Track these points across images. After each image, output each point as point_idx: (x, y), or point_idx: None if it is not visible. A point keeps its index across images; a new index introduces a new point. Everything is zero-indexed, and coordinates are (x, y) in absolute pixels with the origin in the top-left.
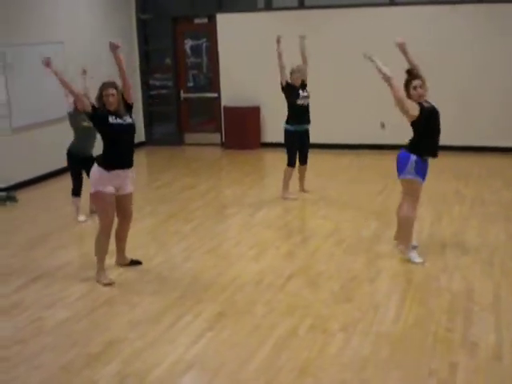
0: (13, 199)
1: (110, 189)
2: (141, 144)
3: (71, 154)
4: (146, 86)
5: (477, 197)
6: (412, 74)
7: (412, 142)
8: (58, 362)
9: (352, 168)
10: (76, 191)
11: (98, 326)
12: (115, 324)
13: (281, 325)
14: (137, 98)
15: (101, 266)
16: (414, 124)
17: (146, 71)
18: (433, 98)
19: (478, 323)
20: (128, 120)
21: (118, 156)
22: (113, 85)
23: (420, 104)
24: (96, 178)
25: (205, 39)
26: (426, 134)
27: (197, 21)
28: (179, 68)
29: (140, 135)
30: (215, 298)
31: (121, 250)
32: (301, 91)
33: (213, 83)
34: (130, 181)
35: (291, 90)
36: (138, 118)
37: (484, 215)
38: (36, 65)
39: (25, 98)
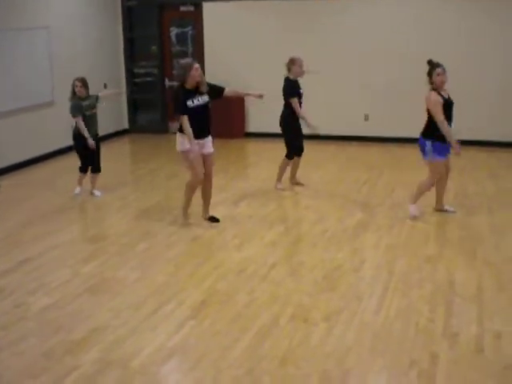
0: None
1: (195, 147)
2: (124, 131)
3: (77, 137)
4: (130, 74)
5: (461, 189)
6: (433, 63)
7: (428, 128)
8: (40, 348)
9: (337, 159)
10: (83, 168)
11: (81, 312)
12: (98, 311)
13: (263, 314)
14: (121, 85)
15: (184, 213)
16: (428, 111)
17: (130, 58)
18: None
19: (460, 314)
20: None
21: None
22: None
23: (441, 95)
24: (182, 140)
25: (190, 27)
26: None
27: (183, 8)
28: (164, 56)
29: (124, 123)
30: (198, 287)
31: (205, 206)
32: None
33: None
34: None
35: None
36: (122, 105)
37: (468, 207)
38: (20, 50)
39: (7, 82)
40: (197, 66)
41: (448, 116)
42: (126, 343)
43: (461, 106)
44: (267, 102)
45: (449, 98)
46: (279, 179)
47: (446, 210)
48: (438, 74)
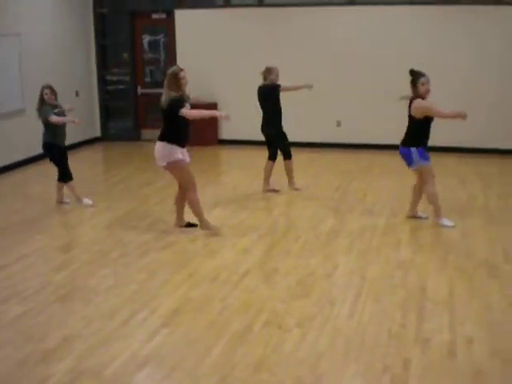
0: None
1: (186, 156)
2: (97, 139)
3: (50, 146)
4: (102, 81)
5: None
6: (416, 73)
7: (408, 137)
8: (13, 357)
9: (309, 166)
10: (68, 177)
11: (53, 321)
12: (70, 320)
13: (236, 321)
14: (93, 92)
15: (205, 223)
16: (413, 119)
17: (102, 66)
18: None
19: (432, 320)
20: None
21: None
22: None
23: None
24: (170, 151)
25: (163, 34)
26: (425, 126)
27: (155, 16)
28: (136, 63)
29: (96, 130)
30: (171, 295)
31: (180, 214)
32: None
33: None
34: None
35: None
36: (93, 113)
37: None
38: None
39: None
40: (182, 74)
41: (430, 120)
42: (98, 352)
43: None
44: (240, 109)
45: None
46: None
47: (420, 217)
48: (423, 84)
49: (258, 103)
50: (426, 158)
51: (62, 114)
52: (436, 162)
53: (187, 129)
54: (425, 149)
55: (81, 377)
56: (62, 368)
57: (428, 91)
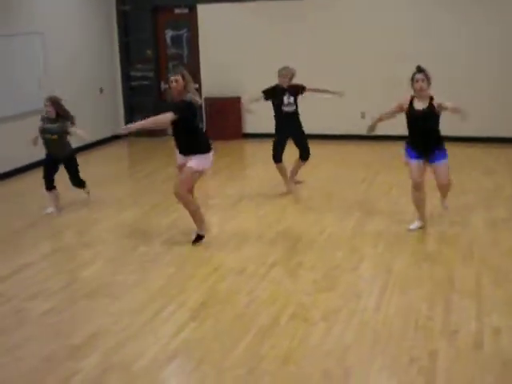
0: None
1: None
2: (122, 135)
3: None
4: (126, 78)
5: (457, 186)
6: (416, 69)
7: None
8: (40, 353)
9: (334, 158)
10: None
11: (80, 317)
12: (97, 316)
13: (263, 314)
14: (117, 89)
15: (203, 225)
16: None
17: (126, 62)
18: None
19: (459, 311)
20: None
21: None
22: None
23: (412, 103)
24: (205, 160)
25: (185, 29)
26: (408, 124)
27: (177, 11)
28: (160, 59)
29: (120, 127)
30: (198, 288)
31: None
32: (286, 97)
33: (193, 74)
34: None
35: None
36: (118, 109)
37: (464, 204)
38: (15, 56)
39: (1, 89)
40: (171, 78)
41: (415, 128)
42: (126, 347)
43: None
44: (263, 102)
45: (424, 109)
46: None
47: (446, 207)
48: (417, 81)
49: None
50: (411, 157)
51: (53, 132)
52: (461, 152)
53: (177, 136)
54: (413, 148)
55: (109, 372)
56: (89, 363)
57: (420, 90)
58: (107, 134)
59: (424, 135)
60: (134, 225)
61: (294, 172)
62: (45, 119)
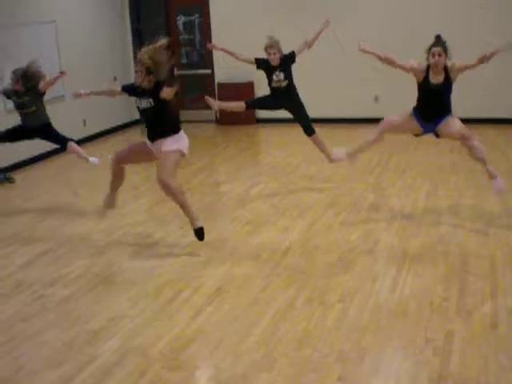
0: (10, 180)
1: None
2: (136, 122)
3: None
4: None
5: (472, 168)
6: (435, 40)
7: None
8: (61, 339)
9: (347, 142)
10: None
11: (99, 303)
12: (115, 301)
13: (279, 298)
14: (130, 76)
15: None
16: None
17: (139, 50)
18: None
19: (474, 292)
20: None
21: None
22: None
23: (427, 75)
24: (184, 139)
25: (197, 15)
26: (418, 99)
27: None
28: (172, 45)
29: (134, 114)
30: (213, 273)
31: None
32: (275, 75)
33: (206, 59)
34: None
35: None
36: (132, 97)
37: (479, 186)
38: (28, 45)
39: None
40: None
41: (428, 102)
42: (144, 331)
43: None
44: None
45: (437, 84)
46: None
47: None
48: (433, 55)
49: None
50: (415, 116)
51: (26, 105)
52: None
53: (145, 120)
54: (420, 117)
55: (128, 355)
56: (108, 348)
57: (436, 65)
58: (122, 120)
59: (437, 110)
60: (150, 211)
61: (323, 148)
62: (12, 93)
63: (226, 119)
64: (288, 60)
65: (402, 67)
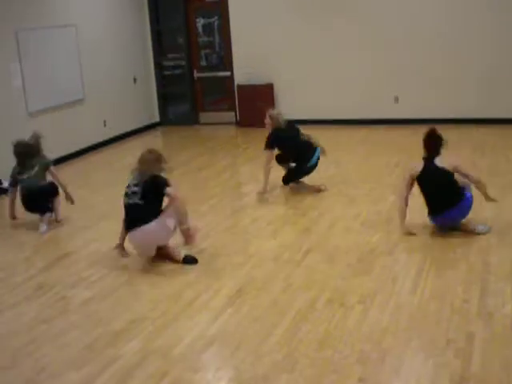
0: None
1: None
2: (156, 125)
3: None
4: (159, 67)
5: (492, 167)
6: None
7: None
8: (82, 341)
9: (367, 142)
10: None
11: (120, 305)
12: (136, 303)
13: (299, 299)
14: (150, 78)
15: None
16: None
17: (158, 51)
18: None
19: (495, 293)
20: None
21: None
22: None
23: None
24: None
25: (216, 17)
26: (424, 195)
27: None
28: (191, 47)
29: (155, 116)
30: (234, 275)
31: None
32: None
33: (225, 62)
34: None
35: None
36: (152, 98)
37: (500, 185)
38: (49, 48)
39: (39, 82)
40: None
41: (427, 192)
42: (165, 333)
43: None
44: (295, 89)
45: (426, 171)
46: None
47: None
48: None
49: (313, 83)
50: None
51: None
52: (493, 132)
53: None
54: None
55: (149, 357)
56: (129, 349)
57: None
58: (142, 123)
59: (432, 197)
60: None
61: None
62: (15, 168)
63: (246, 121)
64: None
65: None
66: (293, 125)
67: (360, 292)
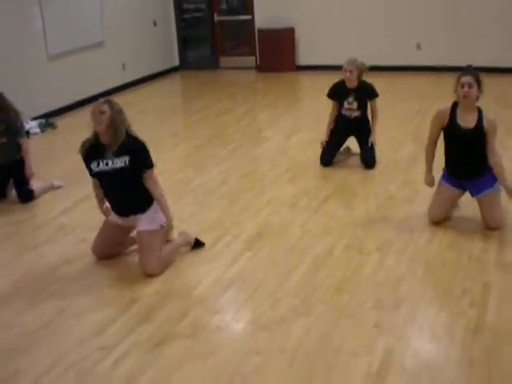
0: (52, 125)
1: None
2: (175, 69)
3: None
4: (179, 10)
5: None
6: (463, 70)
7: None
8: (104, 281)
9: (388, 90)
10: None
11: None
12: None
13: (317, 245)
14: (170, 22)
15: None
16: None
17: None
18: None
19: None
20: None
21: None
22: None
23: (452, 115)
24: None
25: None
26: (446, 151)
27: None
28: None
29: (174, 60)
30: (252, 220)
31: None
32: (347, 101)
33: (246, 5)
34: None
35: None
36: (171, 42)
37: None
38: None
39: (59, 25)
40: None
41: (454, 150)
42: (185, 275)
43: None
44: (317, 33)
45: (470, 129)
46: None
47: None
48: (462, 86)
49: (335, 28)
50: (445, 180)
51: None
52: None
53: (115, 191)
54: (450, 175)
55: (168, 297)
56: (149, 291)
57: (465, 97)
58: (162, 67)
59: (465, 161)
60: (189, 158)
61: None
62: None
63: (266, 66)
64: (367, 93)
65: (437, 134)
66: None
67: (377, 239)
